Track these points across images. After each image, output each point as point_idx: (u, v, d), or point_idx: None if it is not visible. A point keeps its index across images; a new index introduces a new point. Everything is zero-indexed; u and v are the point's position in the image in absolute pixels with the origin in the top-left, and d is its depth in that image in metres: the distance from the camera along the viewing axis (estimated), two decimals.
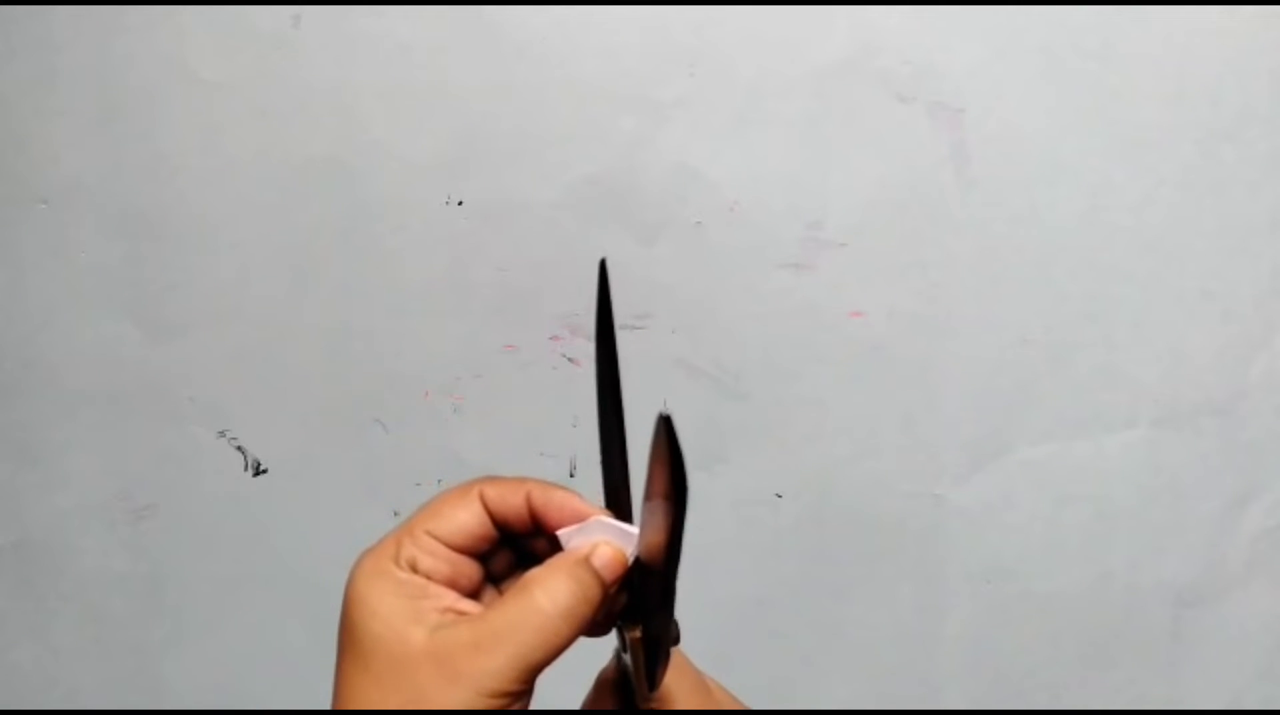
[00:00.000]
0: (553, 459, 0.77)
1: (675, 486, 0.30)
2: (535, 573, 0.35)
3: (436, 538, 0.36)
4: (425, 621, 0.34)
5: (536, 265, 0.75)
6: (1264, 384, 0.77)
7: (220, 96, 0.73)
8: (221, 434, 0.78)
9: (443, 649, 0.33)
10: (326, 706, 0.35)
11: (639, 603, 0.37)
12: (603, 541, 0.36)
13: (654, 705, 0.37)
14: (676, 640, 0.37)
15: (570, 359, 0.76)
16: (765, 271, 0.74)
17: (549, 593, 0.34)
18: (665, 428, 0.30)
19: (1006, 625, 0.80)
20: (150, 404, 0.77)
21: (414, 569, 0.35)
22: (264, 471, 0.78)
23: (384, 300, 0.75)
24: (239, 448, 0.78)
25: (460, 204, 0.74)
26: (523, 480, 0.38)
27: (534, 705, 0.36)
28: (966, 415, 0.76)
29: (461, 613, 0.35)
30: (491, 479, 0.38)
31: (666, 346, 0.76)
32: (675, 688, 0.37)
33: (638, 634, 0.36)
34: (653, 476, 0.33)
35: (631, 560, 0.36)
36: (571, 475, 0.77)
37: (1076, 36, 0.72)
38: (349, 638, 0.35)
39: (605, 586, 0.35)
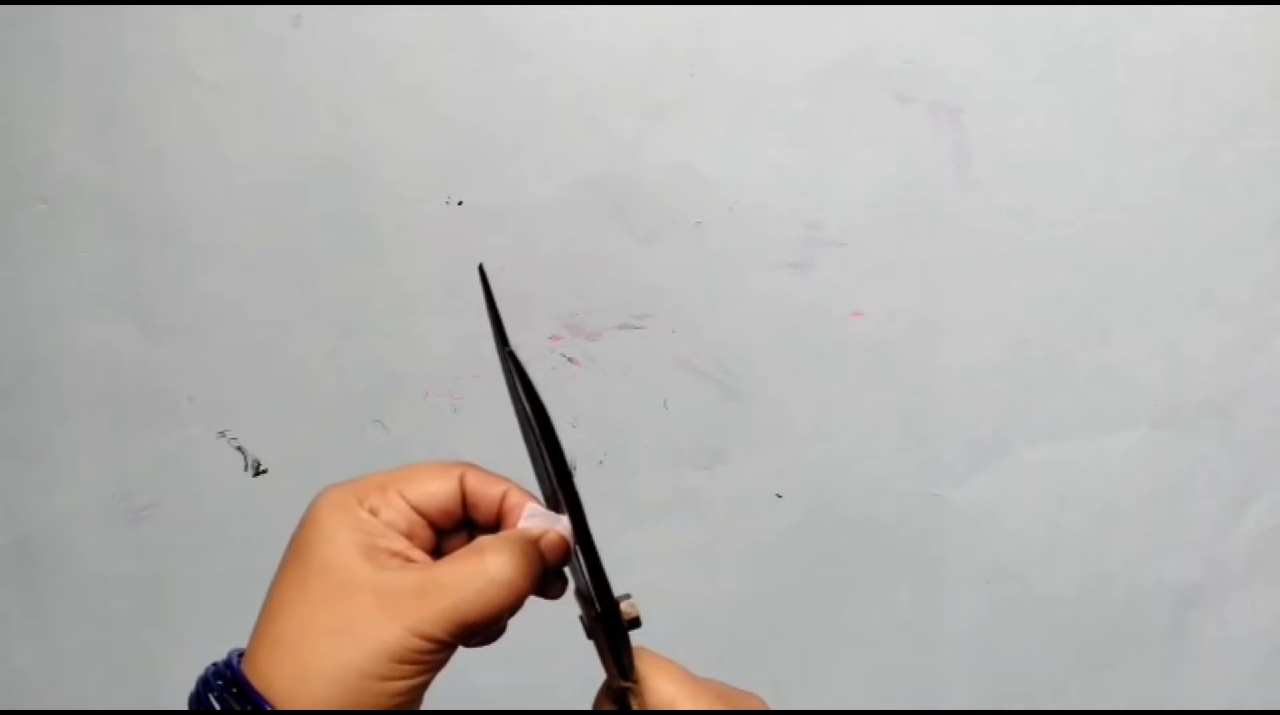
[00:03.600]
0: None
1: (541, 425, 0.32)
2: (488, 540, 0.37)
3: (405, 498, 0.38)
4: (375, 560, 0.35)
5: (536, 265, 0.75)
6: (1264, 384, 0.77)
7: (220, 96, 0.73)
8: (221, 434, 0.78)
9: (386, 586, 0.35)
10: (279, 685, 0.35)
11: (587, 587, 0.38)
12: (553, 529, 0.38)
13: (632, 693, 0.38)
14: (636, 622, 0.38)
15: (570, 359, 0.76)
16: (765, 271, 0.74)
17: (499, 560, 0.36)
18: (514, 363, 0.33)
19: (1006, 625, 0.80)
20: (150, 404, 0.77)
21: (374, 515, 0.37)
22: (264, 471, 0.78)
23: (384, 300, 0.75)
24: (239, 448, 0.78)
25: (460, 204, 0.74)
26: (506, 480, 0.40)
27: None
28: (966, 415, 0.76)
29: (410, 560, 0.37)
30: (478, 468, 0.40)
31: (666, 346, 0.76)
32: (654, 677, 0.38)
33: (594, 614, 0.38)
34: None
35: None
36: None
37: (1076, 36, 0.72)
38: (296, 555, 0.36)
39: (546, 567, 0.38)
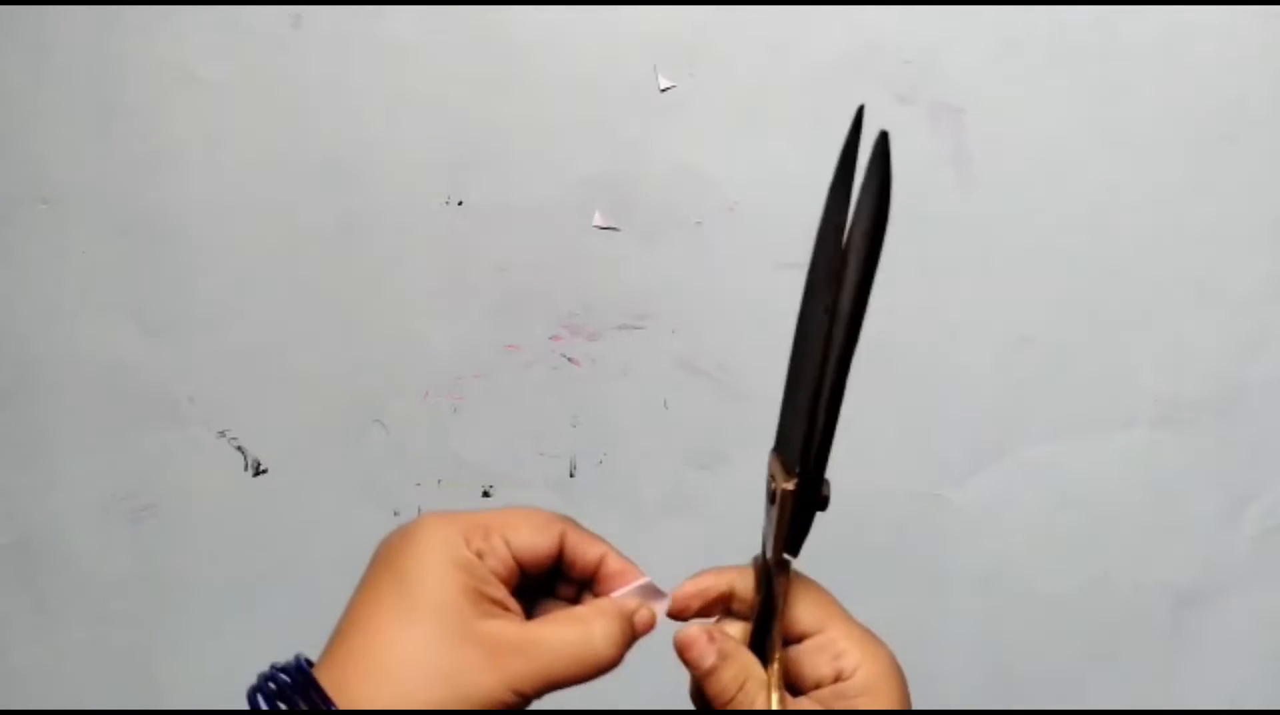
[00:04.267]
0: (553, 459, 0.77)
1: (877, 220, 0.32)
2: (588, 610, 0.39)
3: (508, 546, 0.39)
4: (480, 606, 0.36)
5: (536, 265, 0.75)
6: (1264, 384, 0.77)
7: (220, 96, 0.73)
8: (221, 434, 0.78)
9: (492, 639, 0.36)
10: (368, 695, 0.36)
11: (793, 451, 0.38)
12: (645, 606, 0.40)
13: (784, 570, 0.39)
14: (826, 503, 0.38)
15: (570, 359, 0.76)
16: (765, 271, 0.74)
17: (601, 631, 0.37)
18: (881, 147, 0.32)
19: (1007, 625, 0.80)
20: (150, 404, 0.77)
21: (480, 558, 0.38)
22: (264, 471, 0.78)
23: (384, 300, 0.75)
24: (239, 448, 0.78)
25: (460, 204, 0.74)
26: (605, 542, 0.41)
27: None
28: (967, 416, 0.76)
29: (508, 610, 0.38)
30: (577, 525, 0.41)
31: (666, 346, 0.76)
32: (797, 595, 0.39)
33: (793, 485, 0.37)
34: None
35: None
36: (571, 475, 0.77)
37: (1077, 36, 0.72)
38: (394, 578, 0.37)
39: (634, 640, 0.39)
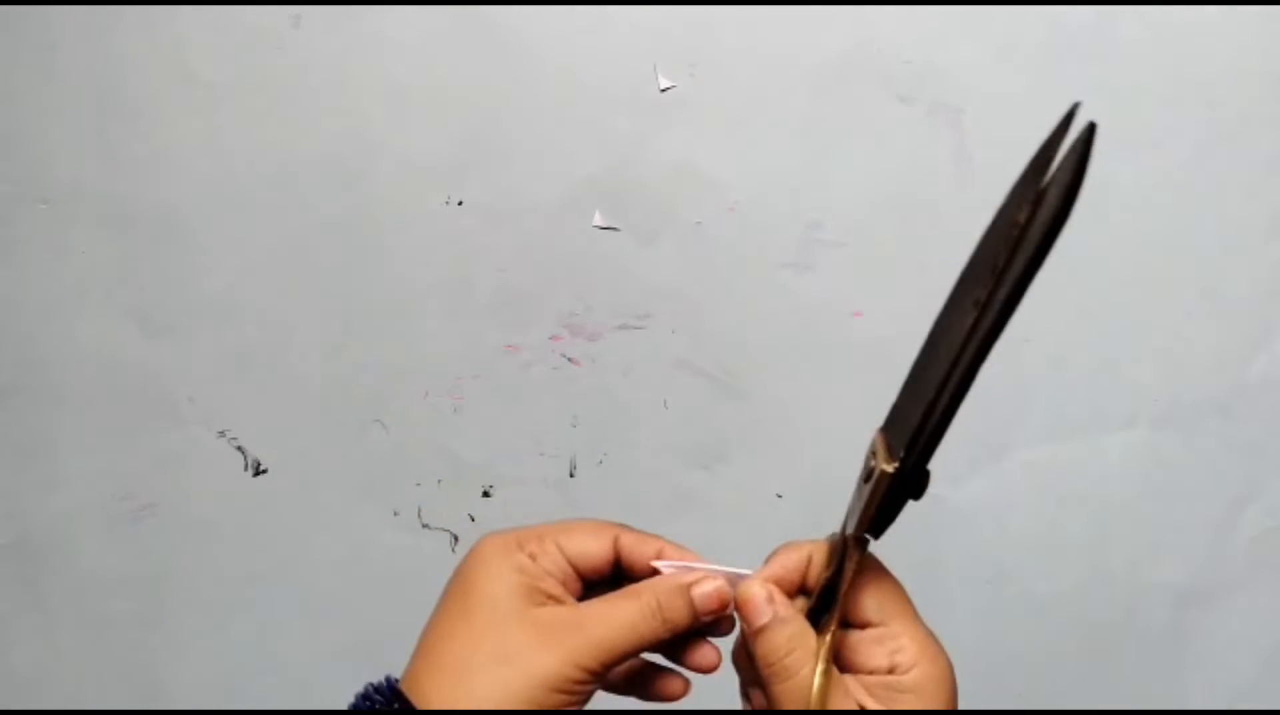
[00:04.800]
0: (553, 459, 0.77)
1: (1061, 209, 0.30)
2: (638, 586, 0.40)
3: (562, 551, 0.41)
4: (533, 598, 0.38)
5: (536, 265, 0.75)
6: (1264, 384, 0.77)
7: (220, 96, 0.73)
8: (221, 434, 0.78)
9: (545, 620, 0.38)
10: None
11: (907, 428, 0.37)
12: (709, 576, 0.40)
13: (861, 548, 0.38)
14: (920, 492, 0.37)
15: (570, 359, 0.76)
16: (765, 271, 0.74)
17: (650, 601, 0.39)
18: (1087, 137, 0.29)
19: (1006, 625, 0.80)
20: (150, 404, 0.77)
21: (533, 560, 0.40)
22: (264, 471, 0.78)
23: (384, 300, 0.75)
24: (239, 447, 0.78)
25: (460, 204, 0.74)
26: (659, 539, 0.42)
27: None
28: (966, 415, 0.76)
29: (563, 603, 0.39)
30: (631, 529, 0.42)
31: (666, 346, 0.76)
32: (869, 583, 0.39)
33: (891, 468, 0.37)
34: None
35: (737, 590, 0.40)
36: (572, 475, 0.77)
37: (1076, 36, 0.72)
38: (459, 590, 0.39)
39: (696, 615, 0.40)
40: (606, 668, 0.38)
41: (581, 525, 0.41)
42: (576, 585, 0.41)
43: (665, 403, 0.77)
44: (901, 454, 0.36)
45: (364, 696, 0.37)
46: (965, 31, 0.71)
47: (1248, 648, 0.80)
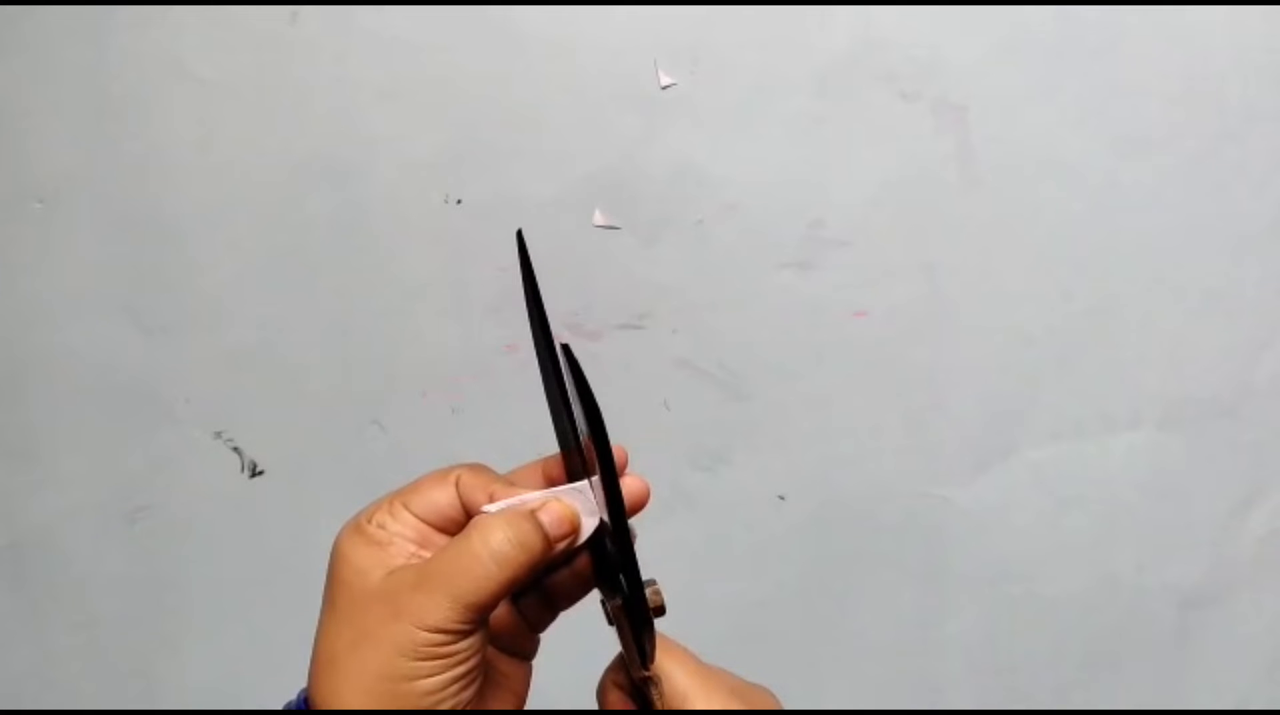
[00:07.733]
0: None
1: (590, 421, 0.31)
2: (478, 519, 0.37)
3: (408, 510, 0.38)
4: (385, 566, 0.37)
5: (537, 265, 0.74)
6: (1269, 385, 0.76)
7: (218, 95, 0.73)
8: (218, 435, 0.77)
9: (390, 588, 0.36)
10: (323, 706, 0.36)
11: (613, 574, 0.38)
12: (554, 499, 0.38)
13: (654, 682, 0.38)
14: (661, 611, 0.37)
15: None
16: (767, 271, 0.74)
17: (485, 537, 0.36)
18: (568, 359, 0.31)
19: (1011, 627, 0.79)
20: (147, 404, 0.77)
21: (381, 529, 0.38)
22: (261, 472, 0.78)
23: (383, 300, 0.75)
24: (235, 448, 0.77)
25: (460, 203, 0.74)
26: (496, 475, 0.40)
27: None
28: (971, 416, 0.76)
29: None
30: (473, 467, 0.40)
31: (667, 346, 0.75)
32: (667, 665, 0.38)
33: (619, 601, 0.38)
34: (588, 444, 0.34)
35: (591, 528, 0.38)
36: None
37: (1081, 34, 0.71)
38: (326, 585, 0.38)
39: (549, 539, 0.37)
40: (469, 623, 0.35)
41: (424, 479, 0.39)
42: (442, 540, 0.38)
43: (666, 403, 0.76)
44: (624, 586, 0.36)
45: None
46: (969, 29, 0.71)
47: (1253, 649, 0.80)
